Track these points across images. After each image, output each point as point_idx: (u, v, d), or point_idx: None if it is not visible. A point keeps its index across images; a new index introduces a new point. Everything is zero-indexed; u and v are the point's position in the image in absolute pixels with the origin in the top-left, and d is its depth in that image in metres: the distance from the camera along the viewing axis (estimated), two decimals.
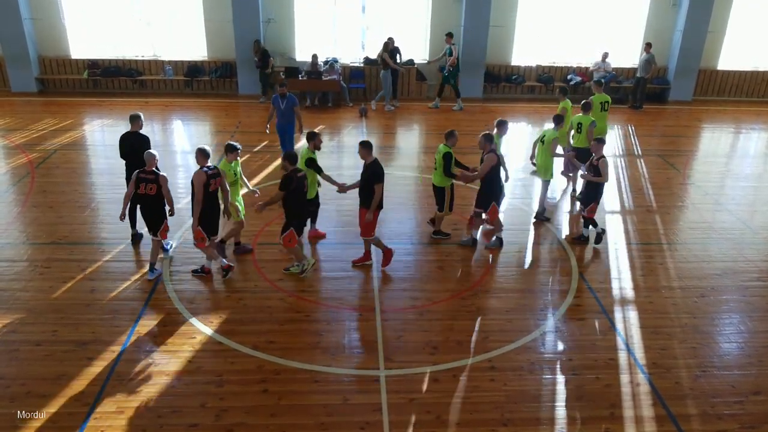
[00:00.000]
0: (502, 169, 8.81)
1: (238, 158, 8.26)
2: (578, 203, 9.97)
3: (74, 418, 5.66)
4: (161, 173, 7.69)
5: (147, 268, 8.05)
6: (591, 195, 9.09)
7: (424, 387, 6.23)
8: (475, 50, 17.37)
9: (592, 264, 8.84)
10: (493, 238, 9.20)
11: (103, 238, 9.11)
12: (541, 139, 9.89)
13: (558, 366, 6.63)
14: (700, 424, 5.88)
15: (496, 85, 18.26)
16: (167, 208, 7.85)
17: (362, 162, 8.07)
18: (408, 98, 17.66)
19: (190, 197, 7.79)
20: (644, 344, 7.03)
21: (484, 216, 8.91)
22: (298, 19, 17.41)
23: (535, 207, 10.26)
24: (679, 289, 8.24)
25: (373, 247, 8.45)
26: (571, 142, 10.71)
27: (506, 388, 6.25)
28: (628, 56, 18.45)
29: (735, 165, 13.68)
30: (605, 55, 17.68)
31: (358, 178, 8.18)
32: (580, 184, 10.34)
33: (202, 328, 7.04)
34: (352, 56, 17.99)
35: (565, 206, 10.82)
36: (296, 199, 7.73)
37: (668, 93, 18.45)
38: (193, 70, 17.46)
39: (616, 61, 17.97)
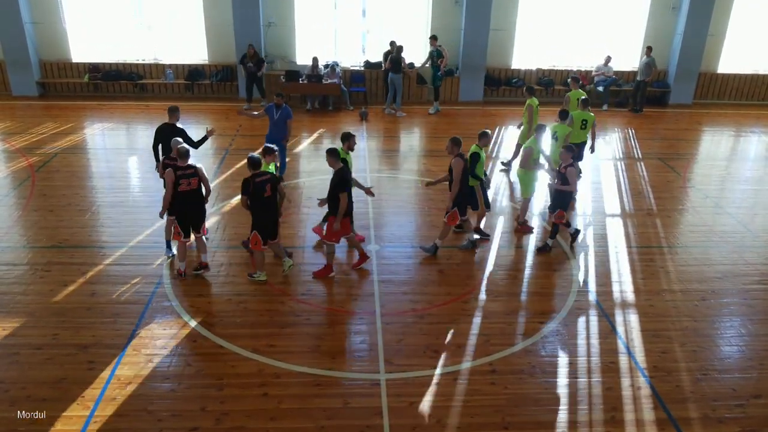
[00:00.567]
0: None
1: (276, 160, 8.43)
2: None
3: (74, 421, 5.66)
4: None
5: (147, 271, 8.04)
6: (558, 203, 8.93)
7: (425, 390, 6.22)
8: (475, 54, 17.40)
9: (593, 267, 8.84)
10: (465, 241, 9.22)
11: (103, 241, 9.11)
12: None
13: (559, 369, 6.63)
14: (701, 428, 5.87)
15: (497, 88, 18.30)
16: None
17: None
18: (409, 102, 17.68)
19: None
20: (645, 347, 7.02)
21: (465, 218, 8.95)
22: (299, 23, 17.45)
23: (536, 209, 10.24)
24: (679, 292, 8.23)
25: (371, 248, 8.43)
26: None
27: (507, 392, 6.25)
28: (628, 59, 18.46)
29: (735, 168, 13.67)
30: (608, 59, 17.70)
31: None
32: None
33: (203, 331, 7.04)
34: (352, 60, 18.02)
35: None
36: (257, 203, 7.71)
37: (668, 96, 18.46)
38: (193, 73, 17.50)
39: (616, 65, 17.99)
